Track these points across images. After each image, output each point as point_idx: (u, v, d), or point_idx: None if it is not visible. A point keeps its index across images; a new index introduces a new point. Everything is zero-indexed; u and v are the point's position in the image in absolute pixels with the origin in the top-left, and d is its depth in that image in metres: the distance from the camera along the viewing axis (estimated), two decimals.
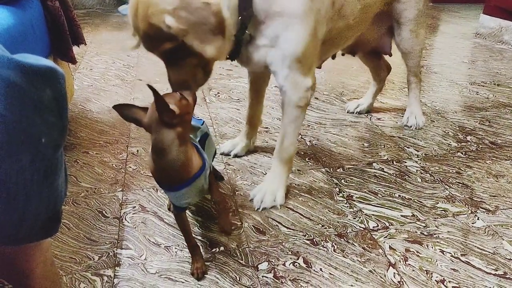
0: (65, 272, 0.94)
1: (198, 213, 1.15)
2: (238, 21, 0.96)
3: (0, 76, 0.41)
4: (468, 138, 1.57)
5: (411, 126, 1.64)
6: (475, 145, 1.52)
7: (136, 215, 1.13)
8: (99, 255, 0.99)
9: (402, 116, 1.75)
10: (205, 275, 0.94)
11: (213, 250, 1.01)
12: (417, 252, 1.01)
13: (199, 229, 1.09)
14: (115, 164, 1.37)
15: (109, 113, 1.73)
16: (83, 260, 0.98)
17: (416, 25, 1.47)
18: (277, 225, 1.10)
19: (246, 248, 1.02)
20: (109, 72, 2.22)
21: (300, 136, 1.59)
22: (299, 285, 0.91)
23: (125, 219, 1.12)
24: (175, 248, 1.02)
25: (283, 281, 0.93)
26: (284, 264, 0.97)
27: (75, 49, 1.45)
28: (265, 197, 1.16)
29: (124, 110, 0.82)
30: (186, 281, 0.92)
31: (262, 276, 0.94)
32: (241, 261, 0.98)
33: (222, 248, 1.02)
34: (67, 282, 0.91)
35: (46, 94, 0.47)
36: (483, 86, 2.11)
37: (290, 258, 0.99)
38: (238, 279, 0.93)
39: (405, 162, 1.41)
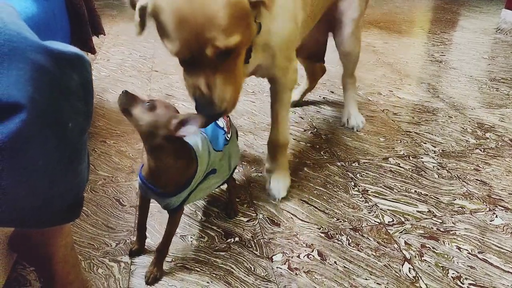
0: (83, 258, 0.96)
1: (214, 203, 1.16)
2: None
3: (31, 60, 0.42)
4: (487, 135, 1.55)
5: (352, 128, 1.59)
6: (494, 142, 1.49)
7: (152, 204, 1.14)
8: (117, 242, 1.01)
9: (419, 112, 1.73)
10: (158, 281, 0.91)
11: (228, 240, 1.02)
12: (433, 248, 1.00)
13: (214, 219, 1.09)
14: (132, 154, 1.39)
15: None
16: (101, 247, 0.99)
17: (357, 26, 1.45)
18: (291, 218, 1.10)
19: (261, 240, 1.03)
20: (126, 63, 2.24)
21: (316, 129, 1.59)
22: (314, 277, 0.92)
23: None
24: (191, 237, 1.03)
25: (297, 273, 0.93)
26: (298, 256, 0.98)
27: (93, 40, 1.47)
28: (280, 188, 1.18)
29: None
30: (201, 269, 0.93)
31: (277, 268, 0.94)
32: (256, 252, 0.99)
33: (237, 239, 1.03)
34: (86, 267, 0.93)
35: (74, 80, 0.47)
36: (504, 82, 2.06)
37: (305, 250, 0.99)
38: (252, 269, 0.94)
39: (422, 158, 1.39)
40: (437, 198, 1.19)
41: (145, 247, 0.99)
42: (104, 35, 1.52)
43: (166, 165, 0.82)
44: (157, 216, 1.10)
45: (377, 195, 1.20)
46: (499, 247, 1.01)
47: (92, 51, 1.38)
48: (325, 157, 1.39)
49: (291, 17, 1.02)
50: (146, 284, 0.90)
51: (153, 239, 1.02)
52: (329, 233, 1.05)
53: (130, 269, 0.93)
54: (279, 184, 1.18)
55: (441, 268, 0.95)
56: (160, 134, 0.77)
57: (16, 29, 0.44)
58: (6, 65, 0.41)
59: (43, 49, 0.45)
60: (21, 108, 0.41)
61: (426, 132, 1.56)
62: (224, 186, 1.12)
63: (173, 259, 0.96)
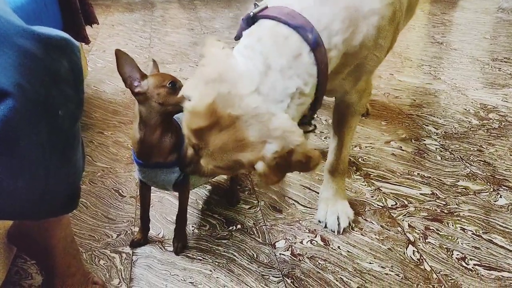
0: (84, 249, 0.95)
1: (215, 191, 1.15)
2: None
3: (16, 45, 0.40)
4: (490, 115, 1.53)
5: None
6: (498, 123, 1.47)
7: (153, 194, 1.13)
8: (117, 233, 1.00)
9: (421, 94, 1.70)
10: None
11: (230, 228, 1.01)
12: (437, 230, 0.99)
13: (215, 207, 1.08)
14: (130, 144, 1.37)
15: (123, 94, 1.73)
16: (102, 238, 0.99)
17: None
18: (293, 204, 1.09)
19: (263, 226, 1.02)
20: None
21: (316, 115, 1.56)
22: (317, 263, 0.91)
23: None
24: (192, 226, 1.02)
25: (300, 259, 0.92)
26: (301, 242, 0.97)
27: (87, 30, 1.44)
28: (340, 219, 1.02)
29: (127, 60, 0.78)
30: (203, 258, 0.93)
31: (280, 254, 0.93)
32: (258, 239, 0.98)
33: (239, 226, 1.02)
34: (87, 258, 0.93)
35: (63, 65, 0.46)
36: (506, 62, 2.03)
37: (308, 236, 0.99)
38: (255, 256, 0.93)
39: (424, 140, 1.37)
40: (440, 180, 1.17)
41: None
42: (98, 24, 1.50)
43: (156, 137, 0.82)
44: (158, 206, 1.09)
45: (379, 178, 1.19)
46: (503, 227, 1.00)
47: (86, 41, 1.36)
48: (327, 142, 1.38)
49: (390, 40, 0.85)
50: (175, 254, 0.94)
51: (154, 229, 1.01)
52: None
53: (132, 260, 0.93)
54: (339, 217, 1.02)
55: (446, 249, 0.94)
56: (153, 105, 0.79)
57: (0, 13, 0.42)
58: None
59: (30, 34, 0.43)
60: (8, 96, 0.39)
61: (428, 115, 1.54)
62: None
63: None
